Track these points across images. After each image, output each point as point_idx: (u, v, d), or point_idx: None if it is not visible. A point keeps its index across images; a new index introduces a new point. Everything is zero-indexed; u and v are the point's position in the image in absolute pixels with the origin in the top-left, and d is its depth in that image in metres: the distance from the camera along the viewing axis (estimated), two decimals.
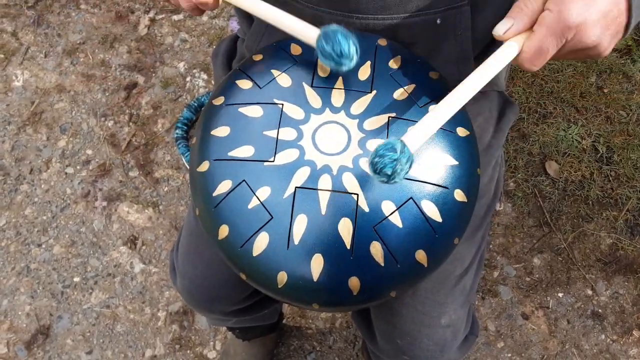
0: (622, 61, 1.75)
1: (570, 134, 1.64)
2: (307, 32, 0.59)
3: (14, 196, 1.62)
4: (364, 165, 0.54)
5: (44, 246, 1.56)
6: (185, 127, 1.66)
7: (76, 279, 1.53)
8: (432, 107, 0.55)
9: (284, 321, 1.45)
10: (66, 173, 1.65)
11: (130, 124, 1.71)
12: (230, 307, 0.87)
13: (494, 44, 0.78)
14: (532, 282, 1.50)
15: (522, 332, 1.45)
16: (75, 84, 1.77)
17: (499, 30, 0.52)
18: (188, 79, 1.78)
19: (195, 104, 1.68)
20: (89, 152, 1.68)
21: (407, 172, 0.50)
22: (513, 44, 0.52)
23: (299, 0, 0.69)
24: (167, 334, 1.46)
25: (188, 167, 1.62)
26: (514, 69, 1.73)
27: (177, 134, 1.64)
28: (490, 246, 1.55)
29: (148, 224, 1.58)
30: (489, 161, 0.82)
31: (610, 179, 1.60)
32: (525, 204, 1.58)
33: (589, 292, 1.48)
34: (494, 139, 0.84)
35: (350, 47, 0.55)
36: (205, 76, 1.79)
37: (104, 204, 1.60)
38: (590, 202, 1.57)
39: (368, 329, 0.88)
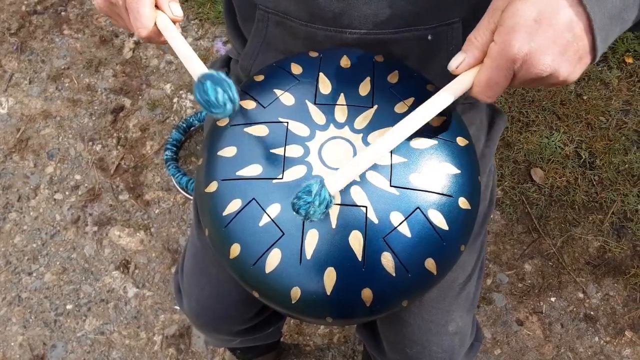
0: (599, 68, 1.81)
1: (553, 141, 1.68)
2: (192, 68, 0.58)
3: (2, 225, 1.60)
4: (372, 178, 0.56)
5: (34, 274, 1.54)
6: (175, 149, 1.66)
7: (69, 307, 1.51)
8: (367, 148, 0.56)
9: (281, 339, 1.45)
10: (55, 199, 1.63)
11: (119, 147, 1.71)
12: (238, 327, 0.87)
13: None
14: (524, 288, 1.52)
15: (518, 338, 1.47)
16: (61, 109, 1.76)
17: (452, 65, 0.53)
18: (175, 100, 1.79)
19: (184, 125, 1.69)
20: (78, 177, 1.66)
21: (323, 213, 0.52)
22: (464, 78, 0.53)
23: (293, 19, 0.71)
24: (164, 358, 1.44)
25: (179, 188, 1.62)
26: None
27: (166, 155, 1.63)
28: None
29: (140, 247, 1.57)
30: (484, 170, 0.85)
31: (594, 183, 1.64)
32: (513, 211, 1.61)
33: (581, 295, 1.51)
34: (487, 147, 0.86)
35: (218, 96, 0.53)
36: (192, 97, 1.79)
37: (95, 229, 1.59)
38: (577, 207, 1.61)
39: (375, 341, 0.88)
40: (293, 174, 0.58)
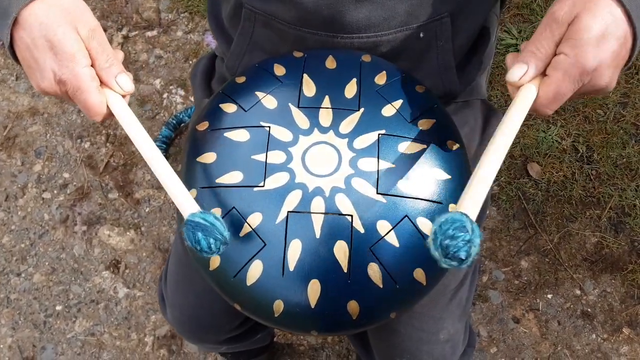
0: None
1: (550, 135, 1.66)
2: (182, 206, 0.52)
3: None
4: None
5: (23, 275, 1.52)
6: (165, 146, 1.63)
7: (58, 308, 1.48)
8: (476, 171, 0.50)
9: (275, 339, 1.43)
10: (43, 198, 1.60)
11: (108, 144, 1.68)
12: (223, 336, 0.85)
13: (472, 53, 0.78)
14: (521, 284, 1.50)
15: (514, 335, 1.45)
16: (48, 106, 1.73)
17: (515, 76, 0.52)
18: (165, 95, 1.75)
19: (174, 122, 1.65)
20: (66, 175, 1.63)
21: (478, 252, 0.44)
22: (531, 87, 0.51)
23: (282, 22, 0.68)
24: None
25: None
26: (491, 74, 1.74)
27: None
28: None
29: (130, 246, 1.55)
30: None
31: (592, 177, 1.61)
32: (509, 207, 1.59)
33: (578, 291, 1.49)
34: (481, 148, 0.84)
35: (211, 246, 0.50)
36: (182, 92, 1.76)
37: (84, 228, 1.56)
38: (574, 202, 1.58)
39: (366, 349, 0.86)
40: (275, 181, 0.56)
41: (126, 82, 0.57)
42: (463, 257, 0.42)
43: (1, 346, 1.44)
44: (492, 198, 1.60)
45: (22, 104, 1.73)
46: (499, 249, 1.54)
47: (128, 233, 1.56)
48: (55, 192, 1.61)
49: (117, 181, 1.63)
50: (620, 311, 1.46)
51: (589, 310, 1.47)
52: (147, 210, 1.59)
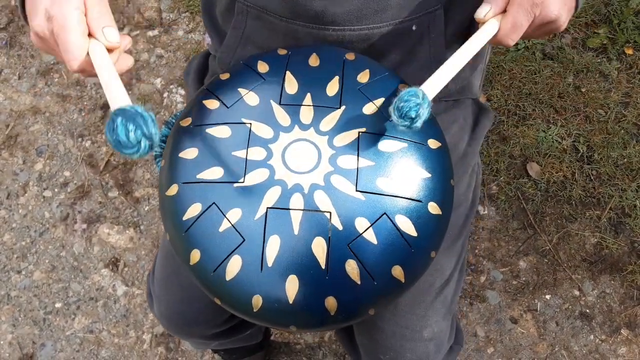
0: (599, 60, 1.76)
1: (550, 135, 1.65)
2: (113, 101, 0.51)
3: None
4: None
5: (23, 272, 1.53)
6: (164, 145, 1.64)
7: (58, 305, 1.49)
8: (441, 67, 0.59)
9: (271, 338, 1.43)
10: (44, 197, 1.62)
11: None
12: (210, 331, 0.85)
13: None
14: (519, 285, 1.50)
15: (512, 336, 1.44)
16: (50, 105, 1.75)
17: (480, 13, 0.61)
18: (165, 95, 1.76)
19: (174, 121, 1.66)
20: (67, 174, 1.65)
21: (426, 118, 0.54)
22: (493, 21, 0.61)
23: (273, 14, 0.68)
24: (153, 357, 1.43)
25: None
26: (491, 74, 1.74)
27: (156, 151, 1.61)
28: (476, 251, 1.54)
29: (129, 244, 1.56)
30: (465, 170, 0.82)
31: (592, 178, 1.60)
32: (508, 207, 1.58)
33: (576, 292, 1.48)
34: (470, 147, 0.83)
35: (130, 134, 0.47)
36: (182, 92, 1.77)
37: (84, 226, 1.58)
38: (573, 202, 1.57)
39: (352, 346, 0.87)
40: (254, 177, 0.56)
41: (112, 33, 0.56)
42: (413, 116, 0.53)
43: (1, 342, 1.45)
44: (490, 198, 1.60)
45: (24, 102, 1.75)
46: (498, 249, 1.54)
47: (127, 231, 1.57)
48: (55, 190, 1.63)
49: (117, 180, 1.64)
50: (619, 312, 1.45)
51: (587, 311, 1.46)
52: (146, 209, 1.60)
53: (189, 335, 0.86)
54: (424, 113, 0.54)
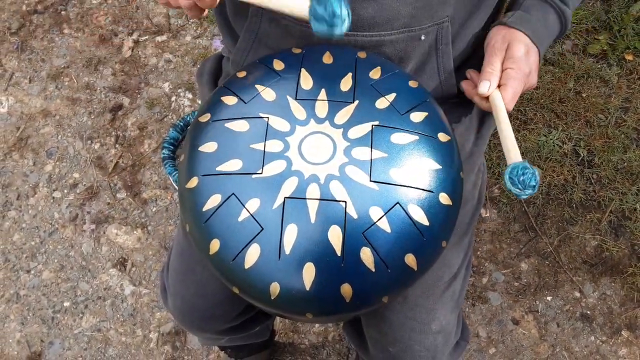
0: (599, 66, 1.80)
1: (551, 139, 1.67)
2: (297, 3, 0.61)
3: (1, 222, 1.61)
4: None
5: (33, 272, 1.55)
6: (172, 147, 1.66)
7: (66, 304, 1.51)
8: (503, 140, 0.67)
9: (276, 338, 1.45)
10: (54, 197, 1.64)
11: (117, 145, 1.72)
12: (223, 326, 0.87)
13: (473, 56, 0.81)
14: (520, 286, 1.52)
15: (513, 337, 1.46)
16: (60, 108, 1.77)
17: (483, 89, 0.71)
18: (173, 98, 1.79)
19: (182, 124, 1.68)
20: (76, 175, 1.67)
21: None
22: (497, 92, 0.71)
23: (287, 18, 0.70)
24: (159, 356, 1.45)
25: (176, 186, 1.62)
26: None
27: (164, 154, 1.63)
28: (478, 253, 1.56)
29: (137, 245, 1.58)
30: (472, 168, 0.84)
31: (592, 181, 1.63)
32: (510, 210, 1.60)
33: (577, 294, 1.50)
34: (476, 146, 0.86)
35: (342, 7, 0.57)
36: (190, 95, 1.80)
37: (93, 227, 1.60)
38: (574, 205, 1.60)
39: (360, 339, 0.88)
40: (272, 169, 0.58)
41: None
42: (534, 184, 0.60)
43: (10, 341, 1.47)
44: (492, 201, 1.62)
45: (35, 105, 1.78)
46: (499, 251, 1.56)
47: (135, 232, 1.59)
48: (65, 191, 1.65)
49: (125, 181, 1.66)
50: (619, 314, 1.47)
51: (588, 312, 1.48)
52: (154, 210, 1.62)
53: (202, 330, 0.88)
54: (538, 180, 0.62)
